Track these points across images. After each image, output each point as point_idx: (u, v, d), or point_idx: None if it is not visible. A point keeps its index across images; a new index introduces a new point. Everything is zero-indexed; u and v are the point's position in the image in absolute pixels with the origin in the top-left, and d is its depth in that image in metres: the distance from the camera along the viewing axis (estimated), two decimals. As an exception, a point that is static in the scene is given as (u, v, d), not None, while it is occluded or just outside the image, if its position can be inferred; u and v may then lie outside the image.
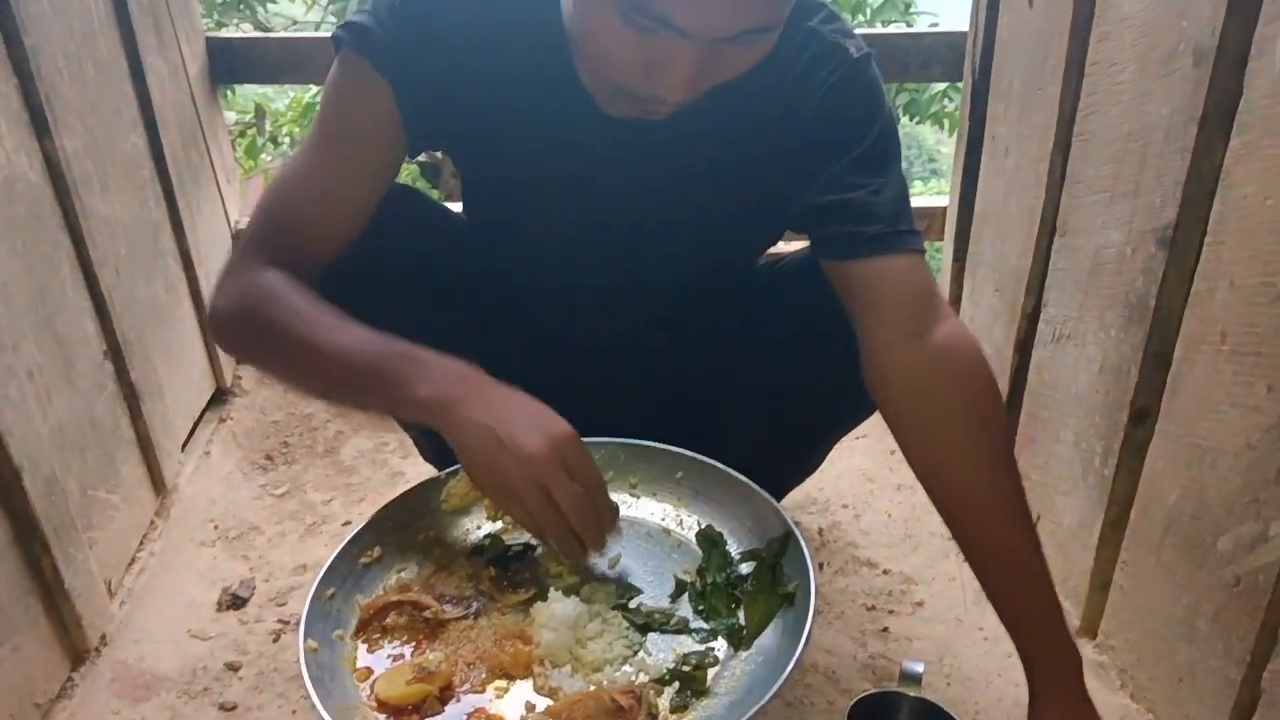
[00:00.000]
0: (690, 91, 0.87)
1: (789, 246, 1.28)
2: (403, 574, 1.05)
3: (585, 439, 1.16)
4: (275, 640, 1.38)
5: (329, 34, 1.17)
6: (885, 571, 1.52)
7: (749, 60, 0.89)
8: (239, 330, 1.02)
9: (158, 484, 1.60)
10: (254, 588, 1.48)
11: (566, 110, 1.01)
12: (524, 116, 1.05)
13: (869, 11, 2.80)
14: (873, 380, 1.03)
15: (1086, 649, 1.32)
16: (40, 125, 1.28)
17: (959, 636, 1.38)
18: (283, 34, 2.50)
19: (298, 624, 1.24)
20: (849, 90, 1.01)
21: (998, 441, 1.00)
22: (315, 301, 0.98)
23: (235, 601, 1.45)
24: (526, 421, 0.91)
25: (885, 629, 1.40)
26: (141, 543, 1.52)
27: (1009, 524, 0.99)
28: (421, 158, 2.46)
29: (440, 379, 0.92)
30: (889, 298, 1.00)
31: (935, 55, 1.91)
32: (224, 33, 2.42)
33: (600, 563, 1.06)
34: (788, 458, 1.34)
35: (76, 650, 1.29)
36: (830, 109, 1.01)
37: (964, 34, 1.82)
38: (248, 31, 2.60)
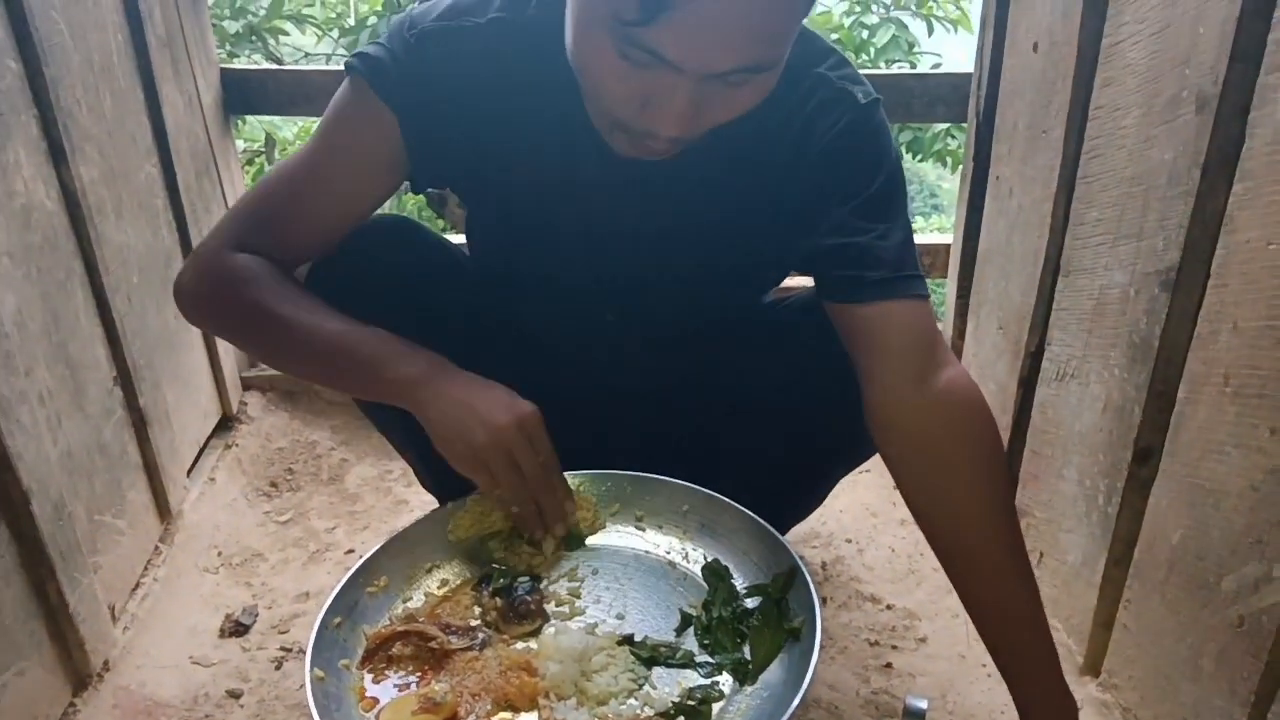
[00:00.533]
0: (685, 128, 0.88)
1: (795, 281, 1.30)
2: (409, 604, 1.05)
3: (592, 471, 1.18)
4: (278, 668, 1.37)
5: (340, 66, 1.19)
6: (889, 607, 1.52)
7: (747, 101, 0.89)
8: (207, 306, 1.07)
9: (163, 510, 1.60)
10: (257, 615, 1.48)
11: (575, 151, 1.02)
12: (532, 156, 1.06)
13: (873, 51, 2.84)
14: (874, 424, 1.04)
15: (1090, 687, 1.32)
16: (58, 154, 1.30)
17: (962, 673, 1.38)
18: (296, 67, 2.54)
19: (300, 652, 1.24)
20: (856, 136, 1.02)
21: (997, 489, 1.01)
22: (292, 284, 1.05)
23: (238, 628, 1.45)
24: (494, 399, 1.01)
25: (889, 664, 1.40)
26: (146, 568, 1.53)
27: (1006, 571, 1.00)
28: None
29: (411, 363, 1.01)
30: (892, 342, 1.00)
31: (940, 96, 1.93)
32: (236, 64, 2.46)
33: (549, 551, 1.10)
34: (788, 495, 1.35)
35: (79, 675, 1.29)
36: (837, 154, 1.02)
37: (968, 75, 1.85)
38: (259, 62, 2.63)
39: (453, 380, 1.01)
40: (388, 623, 1.02)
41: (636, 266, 1.13)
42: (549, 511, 1.07)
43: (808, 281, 1.11)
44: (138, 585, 1.49)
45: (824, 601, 1.53)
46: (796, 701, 0.85)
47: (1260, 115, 0.96)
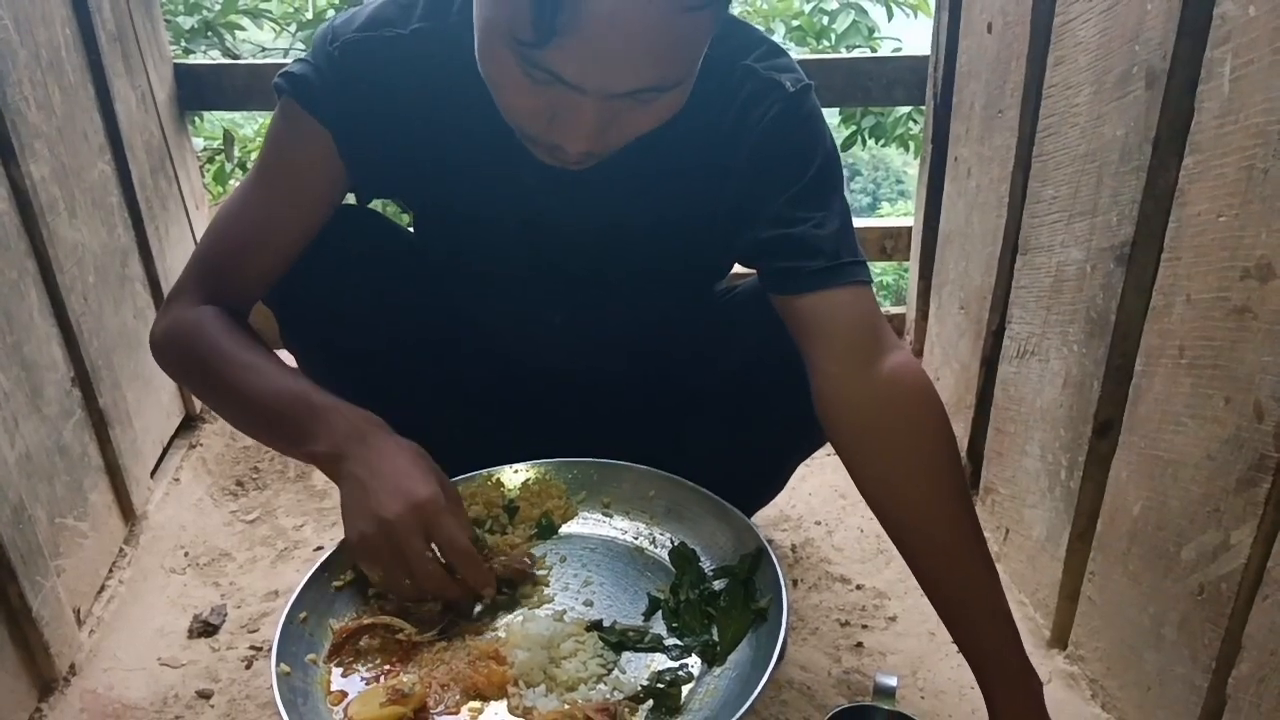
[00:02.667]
0: (593, 144, 0.87)
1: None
2: (376, 596, 1.05)
3: (559, 459, 1.18)
4: (248, 667, 1.36)
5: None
6: (859, 587, 1.54)
7: (660, 114, 0.88)
8: (171, 361, 1.08)
9: (127, 511, 1.58)
10: (225, 614, 1.47)
11: (509, 156, 1.00)
12: (467, 162, 1.05)
13: (834, 37, 2.84)
14: (822, 412, 1.04)
15: (1057, 660, 1.33)
16: (6, 152, 1.28)
17: (932, 650, 1.39)
18: (251, 61, 2.50)
19: (270, 650, 1.23)
20: (786, 125, 1.01)
21: (947, 471, 1.01)
22: (239, 340, 1.03)
23: (206, 629, 1.43)
24: (392, 485, 0.94)
25: (859, 644, 1.41)
26: (111, 570, 1.51)
27: (959, 553, 1.00)
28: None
29: (334, 435, 0.97)
30: (834, 331, 1.00)
31: (898, 79, 1.94)
32: (192, 59, 2.42)
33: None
34: (747, 482, 1.35)
35: (44, 680, 1.27)
36: (769, 145, 1.02)
37: (926, 58, 1.86)
38: (216, 58, 2.60)
39: (362, 456, 0.96)
40: (354, 616, 1.02)
41: (579, 264, 1.13)
42: (471, 580, 0.98)
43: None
44: (103, 588, 1.47)
45: (795, 584, 1.54)
46: (764, 680, 0.86)
47: (1208, 89, 0.97)
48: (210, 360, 1.02)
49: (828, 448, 1.34)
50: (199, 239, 1.11)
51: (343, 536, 1.02)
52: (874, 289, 1.05)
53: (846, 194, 1.08)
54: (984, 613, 1.00)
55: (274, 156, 1.07)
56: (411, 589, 0.96)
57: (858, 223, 2.10)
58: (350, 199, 1.14)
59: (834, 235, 1.01)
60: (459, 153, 1.05)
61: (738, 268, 1.28)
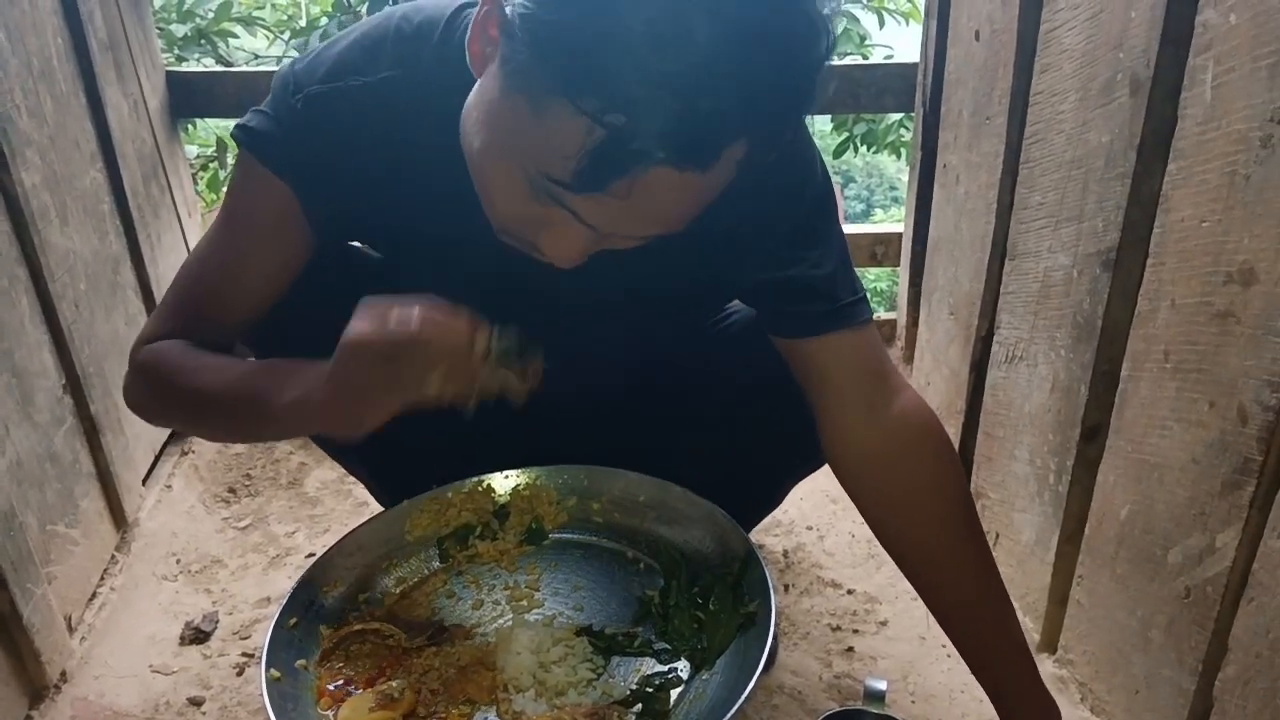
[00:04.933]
0: (576, 262, 0.83)
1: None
2: (366, 602, 1.05)
3: (550, 465, 1.18)
4: (239, 674, 1.36)
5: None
6: (849, 592, 1.54)
7: (642, 241, 0.84)
8: (140, 398, 1.02)
9: (118, 518, 1.58)
10: (217, 621, 1.47)
11: (480, 211, 0.90)
12: (438, 214, 0.98)
13: (826, 44, 2.85)
14: (831, 454, 1.04)
15: (1046, 664, 1.34)
16: (-2, 159, 1.28)
17: (922, 654, 1.40)
18: (242, 69, 2.51)
19: (261, 656, 1.23)
20: (776, 162, 0.97)
21: (959, 509, 1.02)
22: (198, 353, 0.97)
23: (198, 635, 1.43)
24: (368, 342, 0.82)
25: (850, 648, 1.41)
26: (102, 577, 1.51)
27: (974, 589, 1.01)
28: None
29: (298, 381, 0.88)
30: (838, 376, 1.00)
31: (887, 87, 1.95)
32: (185, 67, 2.43)
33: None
34: (741, 504, 1.35)
35: (35, 687, 1.27)
36: (757, 184, 0.94)
37: (915, 66, 1.87)
38: (209, 66, 2.60)
39: (331, 371, 0.84)
40: (345, 621, 1.02)
41: (567, 308, 1.07)
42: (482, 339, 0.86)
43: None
44: (94, 595, 1.47)
45: (786, 588, 1.54)
46: (752, 683, 0.86)
47: (1191, 96, 0.98)
48: (172, 376, 0.96)
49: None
50: (170, 282, 1.06)
51: (333, 542, 1.02)
52: (873, 313, 1.04)
53: (841, 204, 1.07)
54: (1004, 648, 1.01)
55: (237, 206, 1.01)
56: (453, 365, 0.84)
57: (849, 229, 2.12)
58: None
59: (831, 275, 0.99)
60: (427, 206, 0.98)
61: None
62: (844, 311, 0.99)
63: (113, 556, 1.55)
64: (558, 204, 0.75)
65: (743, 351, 1.15)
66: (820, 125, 3.02)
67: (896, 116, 2.79)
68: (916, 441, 1.01)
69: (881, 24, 2.87)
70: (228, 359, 0.98)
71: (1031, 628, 1.39)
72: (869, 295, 1.08)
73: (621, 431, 1.27)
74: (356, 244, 1.16)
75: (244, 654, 1.40)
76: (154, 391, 1.00)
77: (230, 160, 2.52)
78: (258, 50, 3.05)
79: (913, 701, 1.31)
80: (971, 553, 1.01)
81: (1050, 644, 1.36)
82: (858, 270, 1.05)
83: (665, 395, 1.24)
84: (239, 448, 1.92)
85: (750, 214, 0.97)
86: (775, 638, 0.92)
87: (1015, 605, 1.41)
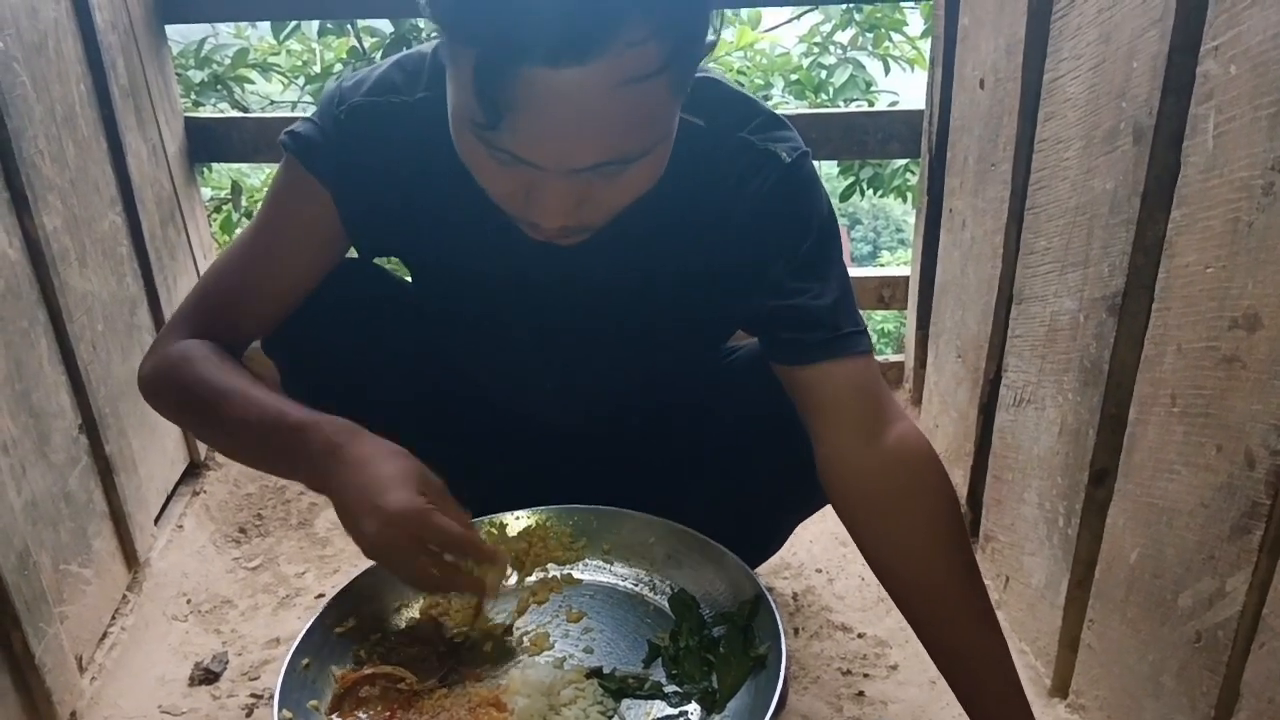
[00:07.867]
0: (569, 219, 0.86)
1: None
2: (378, 643, 1.05)
3: (560, 506, 1.19)
4: (248, 715, 1.36)
5: (304, 114, 1.21)
6: (860, 635, 1.53)
7: (636, 185, 0.87)
8: (159, 394, 1.07)
9: (130, 558, 1.59)
10: (226, 662, 1.47)
11: (504, 220, 0.98)
12: (465, 227, 1.05)
13: (832, 91, 2.89)
14: (827, 485, 1.05)
15: (1059, 709, 1.33)
16: (20, 204, 1.31)
17: (934, 698, 1.39)
18: (259, 114, 2.55)
19: (271, 698, 1.23)
20: (782, 196, 1.01)
21: (954, 541, 1.02)
22: (226, 369, 1.03)
23: (207, 676, 1.43)
24: (368, 504, 0.93)
25: (861, 693, 1.41)
26: (113, 617, 1.51)
27: (968, 623, 1.01)
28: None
29: (311, 457, 0.96)
30: (836, 404, 1.02)
31: (893, 133, 1.98)
32: (202, 112, 2.47)
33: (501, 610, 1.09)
34: (745, 542, 1.35)
35: (45, 728, 1.27)
36: (765, 214, 1.01)
37: (920, 112, 1.89)
38: (225, 111, 2.65)
39: (338, 479, 0.95)
40: (356, 664, 1.02)
41: (576, 330, 1.13)
42: (475, 556, 0.97)
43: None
44: (105, 635, 1.48)
45: (796, 632, 1.54)
46: (763, 727, 0.86)
47: (1193, 144, 1.00)
48: (195, 388, 1.01)
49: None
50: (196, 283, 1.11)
51: (345, 583, 1.03)
52: (874, 348, 1.06)
53: (846, 244, 1.10)
54: (997, 688, 1.01)
55: (275, 209, 1.08)
56: (434, 581, 0.96)
57: (855, 272, 2.13)
58: (353, 252, 1.16)
59: (832, 306, 1.01)
60: (456, 218, 1.05)
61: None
62: (844, 340, 1.01)
63: (124, 596, 1.56)
64: (501, 151, 0.81)
65: (747, 387, 1.17)
66: (827, 169, 3.05)
67: (902, 161, 2.83)
68: (912, 471, 1.02)
69: (887, 71, 2.90)
70: (246, 381, 1.02)
71: (1043, 672, 1.38)
72: (876, 337, 1.10)
73: (627, 465, 1.28)
74: (378, 260, 1.21)
75: (253, 695, 1.40)
76: (173, 394, 1.05)
77: (244, 203, 2.56)
78: (272, 95, 3.11)
79: (923, 746, 1.31)
80: (964, 585, 1.01)
81: (1062, 689, 1.35)
82: (864, 313, 1.07)
83: (670, 430, 1.26)
84: (251, 488, 1.93)
85: (756, 243, 1.02)
86: (786, 681, 0.92)
87: (1026, 649, 1.42)
